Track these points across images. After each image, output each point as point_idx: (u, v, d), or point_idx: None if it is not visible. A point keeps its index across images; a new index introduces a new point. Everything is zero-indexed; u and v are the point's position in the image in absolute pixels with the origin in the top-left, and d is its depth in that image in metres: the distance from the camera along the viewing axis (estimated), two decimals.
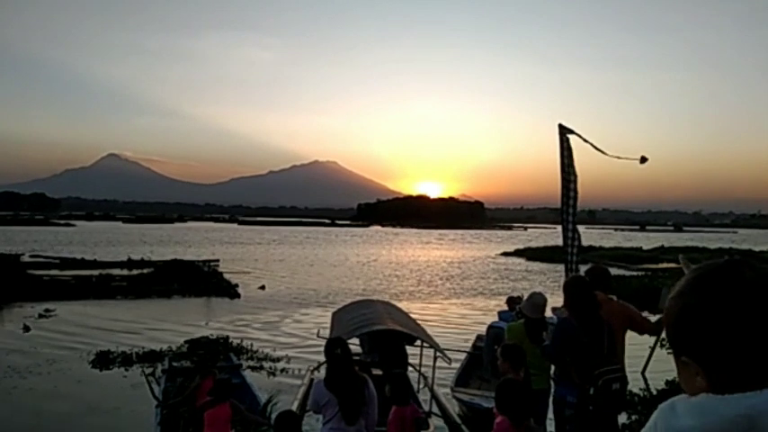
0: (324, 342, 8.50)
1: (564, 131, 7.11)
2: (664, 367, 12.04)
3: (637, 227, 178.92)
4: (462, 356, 11.04)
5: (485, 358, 9.42)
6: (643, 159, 6.94)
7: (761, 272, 1.14)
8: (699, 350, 1.14)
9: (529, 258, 47.72)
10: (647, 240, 77.20)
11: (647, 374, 11.47)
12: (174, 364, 11.27)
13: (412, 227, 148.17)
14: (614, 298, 6.14)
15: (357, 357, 8.41)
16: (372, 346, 8.54)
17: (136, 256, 34.22)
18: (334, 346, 5.16)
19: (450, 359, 8.45)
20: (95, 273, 26.27)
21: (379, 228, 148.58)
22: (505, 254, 53.18)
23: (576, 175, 7.32)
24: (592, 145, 6.99)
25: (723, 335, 1.10)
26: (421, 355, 9.27)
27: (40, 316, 17.81)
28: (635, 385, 10.38)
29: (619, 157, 7.05)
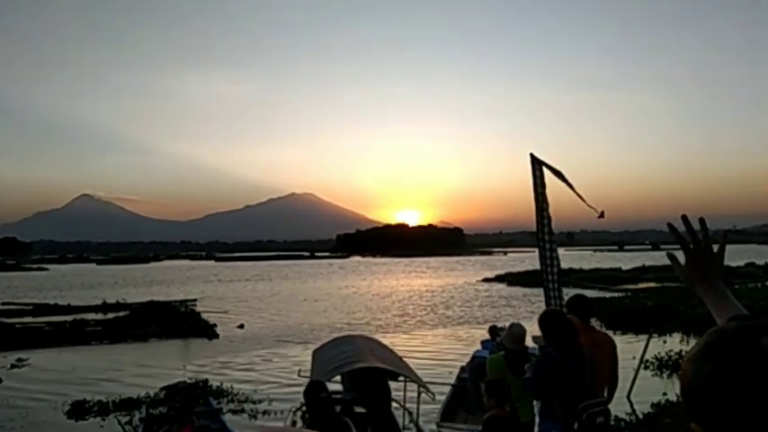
0: (305, 381, 8.36)
1: (535, 161, 7.17)
2: (649, 390, 12.08)
3: (615, 247, 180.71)
4: (447, 389, 10.90)
5: (470, 390, 9.30)
6: (601, 215, 7.22)
7: None
8: (708, 419, 1.05)
9: (510, 283, 47.79)
10: (626, 260, 77.96)
11: (632, 398, 11.51)
12: (152, 411, 10.98)
13: (392, 256, 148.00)
14: (596, 326, 6.13)
15: (338, 396, 8.25)
16: (354, 382, 8.38)
17: (111, 300, 33.55)
18: (316, 391, 5.04)
19: (433, 395, 8.33)
20: (69, 318, 25.71)
21: (359, 258, 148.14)
22: (486, 279, 53.21)
23: (548, 204, 7.38)
24: (563, 179, 7.05)
25: (735, 406, 1.02)
26: (405, 389, 9.12)
27: (13, 366, 17.26)
28: (620, 409, 10.33)
29: (583, 200, 7.14)
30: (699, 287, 1.64)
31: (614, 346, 5.60)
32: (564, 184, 7.07)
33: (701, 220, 1.62)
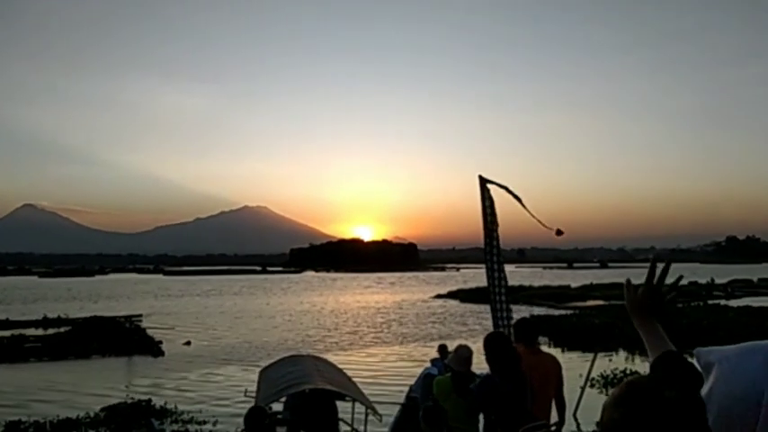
0: (252, 401, 8.18)
1: (484, 182, 7.24)
2: (594, 408, 12.29)
3: (564, 264, 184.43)
4: (396, 409, 10.84)
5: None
6: (558, 232, 7.32)
7: (682, 392, 1.21)
8: None
9: (462, 300, 48.24)
10: (575, 278, 79.70)
11: (578, 416, 11.68)
12: None
13: (347, 271, 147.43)
14: (544, 345, 6.23)
15: (280, 416, 8.11)
16: (300, 403, 8.24)
17: (52, 314, 32.40)
18: (259, 418, 4.91)
19: (380, 416, 8.27)
20: (7, 334, 24.76)
21: (312, 273, 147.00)
22: (440, 296, 53.58)
23: (497, 224, 7.46)
24: (515, 196, 7.12)
25: None
26: (353, 409, 9.03)
27: None
28: (566, 428, 10.47)
29: (539, 221, 7.25)
30: (640, 318, 1.80)
31: (560, 368, 5.67)
32: (518, 204, 7.15)
33: (668, 262, 1.79)
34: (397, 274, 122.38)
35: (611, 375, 15.45)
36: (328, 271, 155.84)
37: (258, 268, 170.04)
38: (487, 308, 7.65)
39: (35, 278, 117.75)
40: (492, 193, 7.36)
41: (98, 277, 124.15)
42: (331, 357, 15.25)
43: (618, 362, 18.06)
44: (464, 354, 6.03)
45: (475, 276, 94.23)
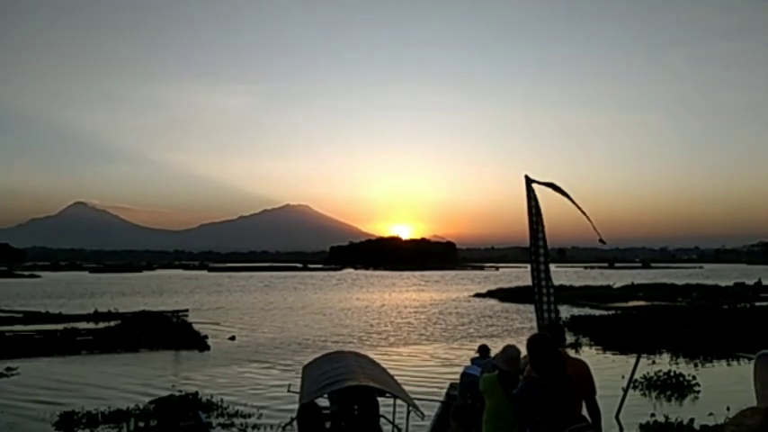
0: (295, 396, 8.39)
1: (530, 182, 7.26)
2: (637, 411, 12.13)
3: (606, 264, 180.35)
4: (436, 406, 10.94)
5: None
6: (601, 241, 7.41)
7: None
8: None
9: (501, 299, 47.89)
10: (617, 278, 78.19)
11: (620, 418, 11.55)
12: (140, 424, 10.98)
13: (385, 269, 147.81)
14: (578, 351, 6.19)
15: (326, 411, 8.29)
16: (342, 399, 8.41)
17: (102, 309, 33.45)
18: (312, 414, 5.06)
19: (423, 414, 8.36)
20: (60, 327, 25.59)
21: (352, 270, 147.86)
22: (478, 295, 53.31)
23: (543, 225, 7.47)
24: (563, 193, 7.12)
25: None
26: (394, 405, 9.16)
27: (1, 375, 17.20)
28: (609, 430, 10.38)
29: (588, 218, 7.22)
30: None
31: (589, 373, 5.49)
32: (567, 201, 7.11)
33: None
34: (437, 273, 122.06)
35: (655, 377, 15.18)
36: (367, 269, 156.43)
37: (299, 265, 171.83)
38: (526, 307, 7.67)
39: (86, 273, 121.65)
40: (537, 193, 7.38)
41: (145, 273, 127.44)
42: (373, 354, 15.41)
43: (661, 364, 17.72)
44: (512, 354, 6.05)
45: (516, 276, 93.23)
